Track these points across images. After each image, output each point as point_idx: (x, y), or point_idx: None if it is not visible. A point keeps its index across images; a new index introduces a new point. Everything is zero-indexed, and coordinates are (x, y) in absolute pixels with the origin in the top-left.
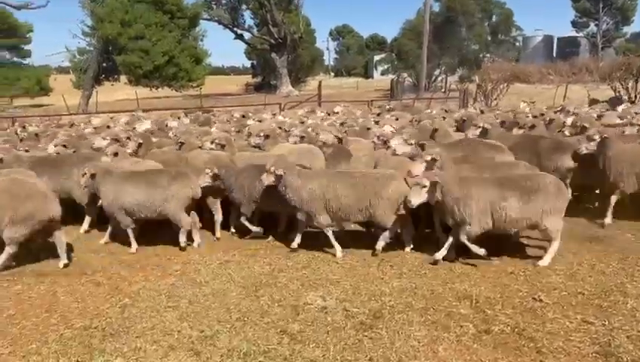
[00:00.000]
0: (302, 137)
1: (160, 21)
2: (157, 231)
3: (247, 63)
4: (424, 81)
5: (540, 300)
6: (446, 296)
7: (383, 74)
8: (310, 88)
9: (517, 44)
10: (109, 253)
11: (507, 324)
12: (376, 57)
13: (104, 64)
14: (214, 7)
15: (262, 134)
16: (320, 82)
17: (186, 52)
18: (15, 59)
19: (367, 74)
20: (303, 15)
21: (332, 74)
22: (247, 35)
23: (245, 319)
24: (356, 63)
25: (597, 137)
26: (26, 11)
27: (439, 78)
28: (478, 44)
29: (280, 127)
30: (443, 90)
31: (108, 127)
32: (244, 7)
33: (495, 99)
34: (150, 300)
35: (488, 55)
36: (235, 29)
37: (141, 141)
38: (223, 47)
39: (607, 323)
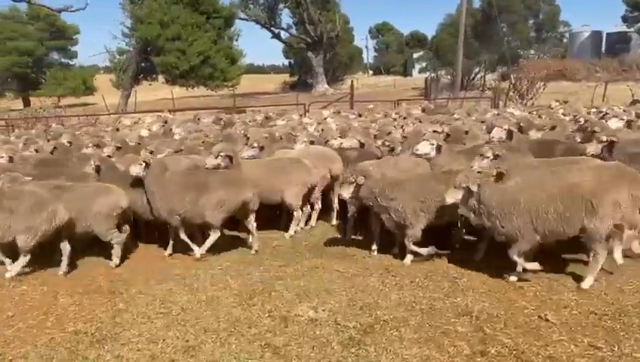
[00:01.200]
0: (312, 142)
1: (196, 22)
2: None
3: (287, 62)
4: (460, 79)
5: (547, 319)
6: (445, 311)
7: (420, 72)
8: (347, 87)
9: (564, 40)
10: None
11: (505, 345)
12: (415, 55)
13: (142, 64)
14: (251, 6)
15: (256, 145)
16: (352, 81)
17: (222, 52)
18: (62, 60)
19: (406, 72)
20: (341, 13)
21: (370, 72)
22: (284, 35)
23: (232, 329)
24: (395, 61)
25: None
26: (66, 14)
27: (478, 76)
28: (519, 41)
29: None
30: (481, 88)
31: (117, 129)
32: (281, 6)
33: (531, 98)
34: (144, 306)
35: (533, 52)
36: (272, 28)
37: (119, 145)
38: (262, 45)
39: (616, 348)
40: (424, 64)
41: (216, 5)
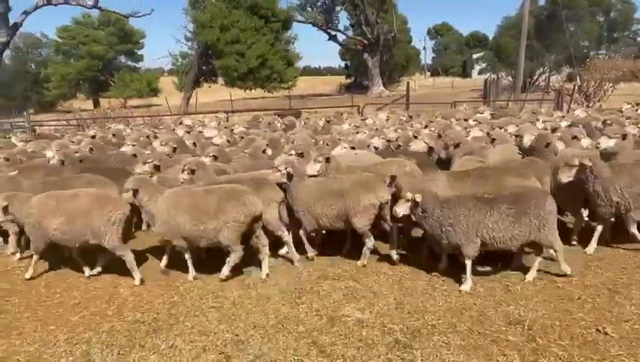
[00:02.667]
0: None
1: (255, 25)
2: None
3: (343, 64)
4: (521, 80)
5: (605, 333)
6: (496, 319)
7: (480, 73)
8: (403, 88)
9: (638, 38)
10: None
11: (559, 357)
12: (475, 56)
13: (203, 67)
14: (309, 9)
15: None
16: (408, 83)
17: (279, 55)
18: (130, 63)
19: (465, 73)
20: (399, 14)
21: (428, 73)
22: (341, 36)
23: (280, 326)
24: (454, 62)
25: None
26: (133, 19)
27: (541, 77)
28: (587, 41)
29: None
30: (545, 90)
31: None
32: (338, 8)
33: (598, 100)
34: (197, 299)
35: (603, 52)
36: (329, 30)
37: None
38: (319, 47)
39: None
40: (484, 65)
41: (275, 9)
